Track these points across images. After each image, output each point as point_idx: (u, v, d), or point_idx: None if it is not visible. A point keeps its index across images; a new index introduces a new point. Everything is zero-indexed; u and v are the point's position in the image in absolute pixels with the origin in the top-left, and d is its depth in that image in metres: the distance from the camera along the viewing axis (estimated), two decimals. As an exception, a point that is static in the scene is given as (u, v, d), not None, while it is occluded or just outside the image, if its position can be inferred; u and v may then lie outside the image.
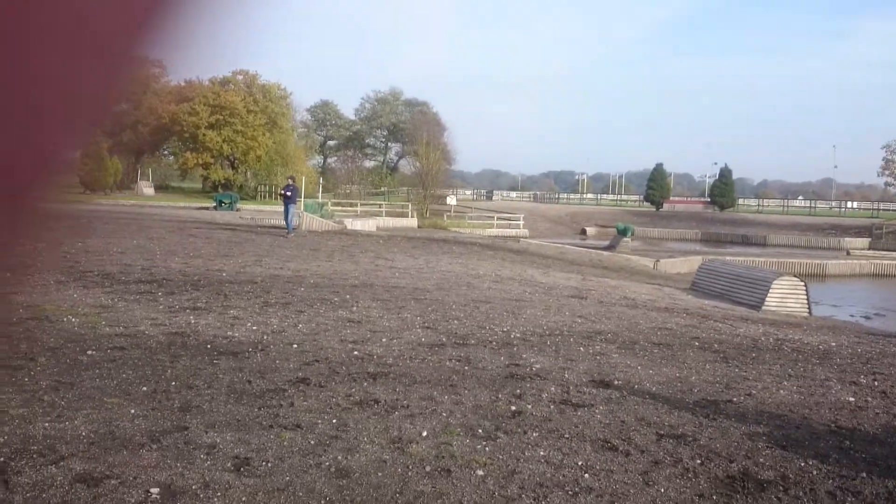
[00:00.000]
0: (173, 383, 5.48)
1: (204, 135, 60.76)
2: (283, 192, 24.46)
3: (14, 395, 4.93)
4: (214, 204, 42.83)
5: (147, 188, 62.19)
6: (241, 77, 67.81)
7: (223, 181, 63.57)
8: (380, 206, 51.12)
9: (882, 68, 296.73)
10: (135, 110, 73.65)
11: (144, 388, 5.29)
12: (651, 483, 4.18)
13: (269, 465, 4.08)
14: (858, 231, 54.83)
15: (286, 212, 23.45)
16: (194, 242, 18.43)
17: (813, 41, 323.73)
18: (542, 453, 4.48)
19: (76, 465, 3.86)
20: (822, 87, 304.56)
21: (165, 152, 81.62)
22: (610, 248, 36.58)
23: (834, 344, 10.05)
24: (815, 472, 4.45)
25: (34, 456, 3.94)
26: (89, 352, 6.30)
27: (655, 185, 76.58)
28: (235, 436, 4.45)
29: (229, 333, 7.54)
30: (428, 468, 4.17)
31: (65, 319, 7.66)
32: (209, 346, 6.86)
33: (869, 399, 6.59)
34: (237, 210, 41.36)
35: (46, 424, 4.40)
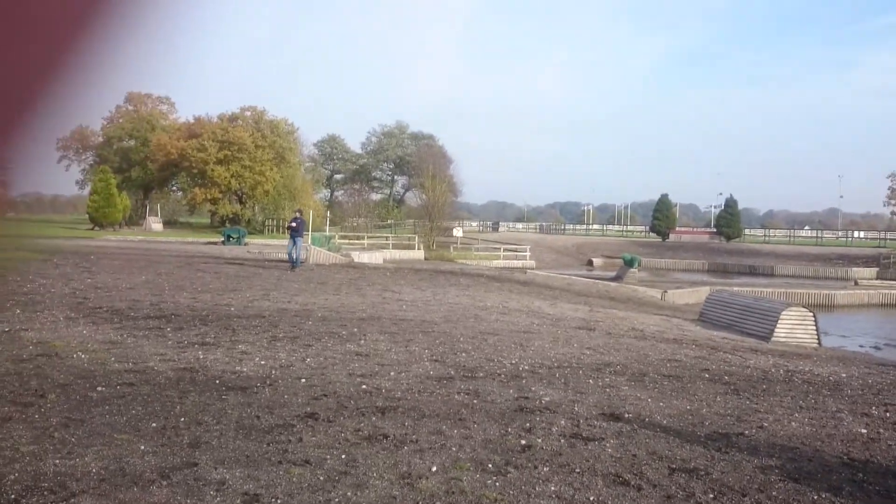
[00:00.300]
0: (182, 419, 5.48)
1: (212, 170, 61.19)
2: (290, 224, 24.26)
3: (25, 431, 4.93)
4: (223, 239, 42.97)
5: (155, 223, 62.58)
6: (248, 113, 68.49)
7: (231, 216, 63.90)
8: (386, 238, 51.21)
9: (886, 98, 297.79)
10: (143, 147, 74.45)
11: (154, 424, 5.29)
12: (663, 518, 4.14)
13: (279, 501, 4.06)
14: (866, 261, 54.64)
15: (292, 245, 23.17)
16: (203, 277, 18.49)
17: (818, 71, 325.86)
18: (552, 488, 4.45)
19: (86, 503, 3.86)
20: (828, 116, 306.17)
21: (174, 188, 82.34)
22: (617, 278, 36.51)
23: (844, 375, 9.98)
24: (828, 506, 4.41)
25: (45, 493, 3.94)
26: (99, 388, 6.31)
27: (661, 216, 76.62)
28: (245, 472, 4.44)
29: (238, 368, 7.54)
30: (438, 504, 4.15)
31: (74, 356, 7.68)
32: (218, 382, 6.86)
33: (881, 430, 6.54)
34: (245, 244, 41.50)
35: (57, 461, 4.40)
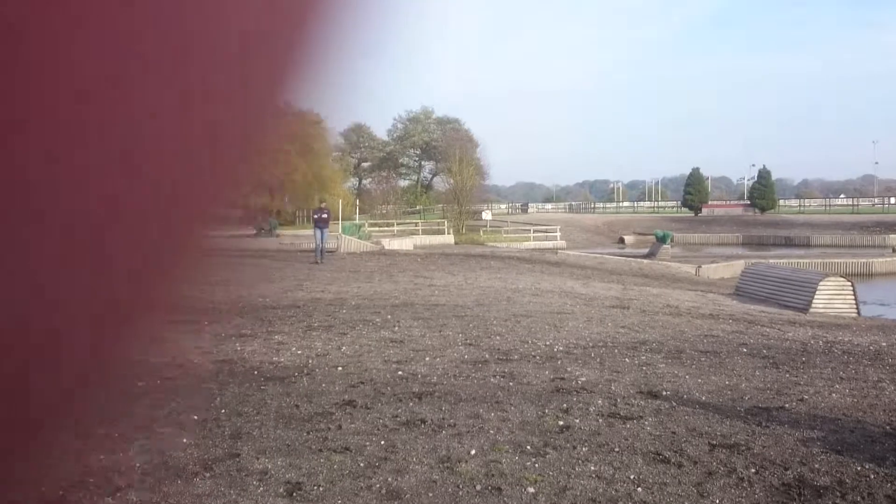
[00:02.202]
0: (223, 411, 5.55)
1: (240, 163, 61.65)
2: (315, 215, 23.66)
3: (66, 430, 5.02)
4: (255, 230, 43.29)
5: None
6: (274, 104, 68.78)
7: (261, 208, 64.37)
8: (416, 224, 51.32)
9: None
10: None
11: (195, 417, 5.37)
12: (706, 494, 4.12)
13: (321, 489, 4.11)
14: (904, 227, 53.64)
15: (320, 236, 22.52)
16: (236, 269, 18.65)
17: (844, 33, 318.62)
18: (592, 468, 4.45)
19: (132, 496, 3.93)
20: (857, 80, 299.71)
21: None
22: (650, 255, 36.23)
23: (885, 344, 9.83)
24: (872, 476, 4.35)
25: (91, 488, 4.02)
26: (139, 383, 6.40)
27: (693, 190, 75.80)
28: (286, 461, 4.49)
29: (275, 359, 7.62)
30: (478, 487, 4.16)
31: (114, 352, 7.80)
32: (256, 373, 6.94)
33: (926, 399, 6.43)
34: (277, 236, 41.80)
35: (101, 458, 4.48)
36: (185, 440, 4.83)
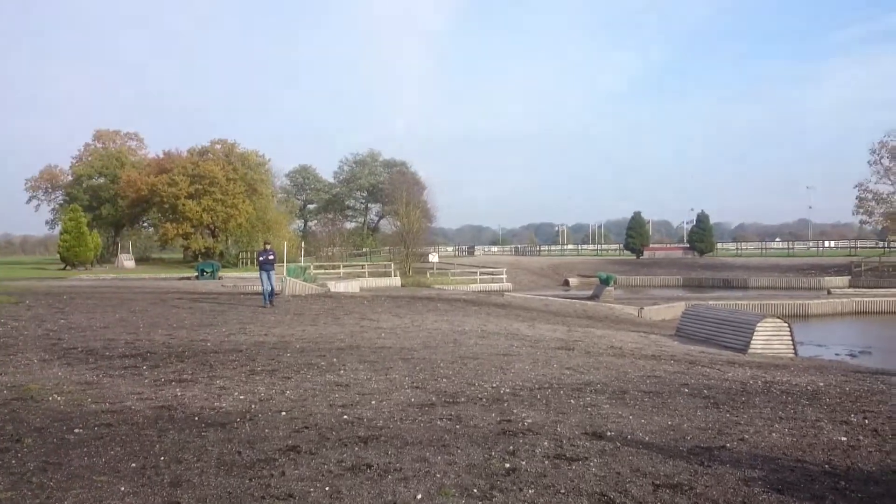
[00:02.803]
0: (162, 458, 5.41)
1: (184, 205, 60.86)
2: (260, 258, 22.36)
3: (2, 477, 4.84)
4: (196, 273, 42.64)
5: (128, 261, 61.88)
6: (219, 146, 68.32)
7: (204, 250, 63.47)
8: (362, 266, 51.13)
9: (849, 109, 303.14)
10: (113, 184, 73.80)
11: (133, 465, 5.21)
12: (650, 535, 4.14)
13: (264, 537, 4.01)
14: (838, 270, 55.44)
15: (266, 278, 21.50)
16: (177, 313, 18.31)
17: (782, 86, 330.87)
18: (538, 510, 4.44)
19: (66, 548, 3.79)
20: (795, 129, 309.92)
21: (145, 224, 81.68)
22: (593, 297, 36.72)
23: (822, 384, 10.08)
24: (812, 515, 4.44)
25: (23, 541, 3.86)
26: (76, 430, 6.22)
27: (634, 234, 77.42)
28: (228, 509, 4.39)
29: (216, 404, 7.46)
30: (425, 532, 4.12)
31: (50, 398, 7.56)
32: (197, 419, 6.78)
33: (861, 438, 6.61)
34: (219, 278, 41.20)
35: (34, 507, 4.32)
36: (123, 488, 4.68)
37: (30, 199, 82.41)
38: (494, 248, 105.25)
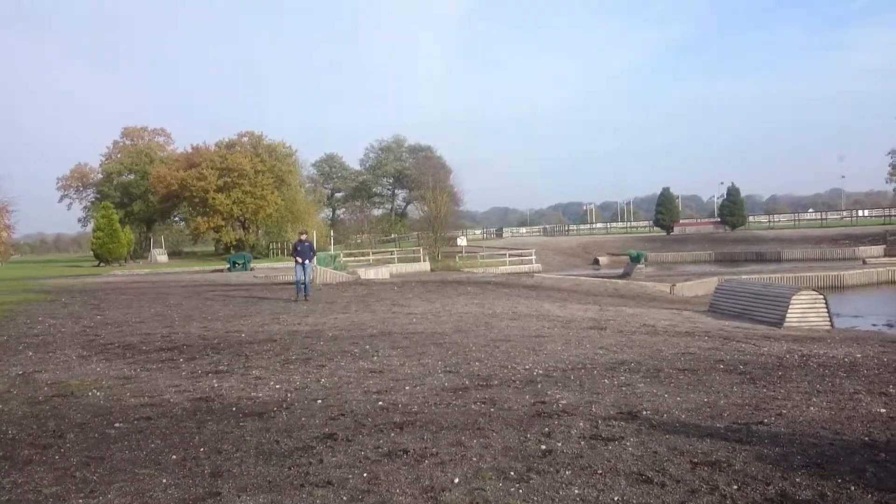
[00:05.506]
0: (202, 449, 5.48)
1: (213, 198, 61.45)
2: (297, 247, 21.15)
3: (46, 473, 4.94)
4: (228, 265, 43.08)
5: (161, 255, 62.76)
6: (246, 139, 68.84)
7: (235, 242, 64.10)
8: (391, 252, 51.29)
9: (878, 75, 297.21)
10: (143, 180, 74.64)
11: (174, 457, 5.30)
12: (689, 513, 4.12)
13: (304, 524, 4.05)
14: (872, 239, 54.54)
15: (302, 271, 20.44)
16: (211, 306, 18.52)
17: (808, 55, 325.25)
18: (576, 491, 4.44)
19: (112, 540, 3.86)
20: (823, 98, 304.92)
21: (176, 218, 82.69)
22: (624, 275, 36.50)
23: (859, 356, 9.95)
24: (852, 489, 4.38)
25: (70, 534, 3.94)
26: (117, 424, 6.33)
27: (664, 210, 76.66)
28: (268, 497, 4.44)
29: (253, 394, 7.55)
30: (463, 515, 4.14)
31: (90, 394, 7.70)
32: (234, 409, 6.87)
33: (901, 409, 6.51)
34: (251, 269, 41.59)
35: (80, 501, 4.41)
36: (164, 480, 4.76)
37: (62, 198, 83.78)
38: (523, 230, 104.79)
